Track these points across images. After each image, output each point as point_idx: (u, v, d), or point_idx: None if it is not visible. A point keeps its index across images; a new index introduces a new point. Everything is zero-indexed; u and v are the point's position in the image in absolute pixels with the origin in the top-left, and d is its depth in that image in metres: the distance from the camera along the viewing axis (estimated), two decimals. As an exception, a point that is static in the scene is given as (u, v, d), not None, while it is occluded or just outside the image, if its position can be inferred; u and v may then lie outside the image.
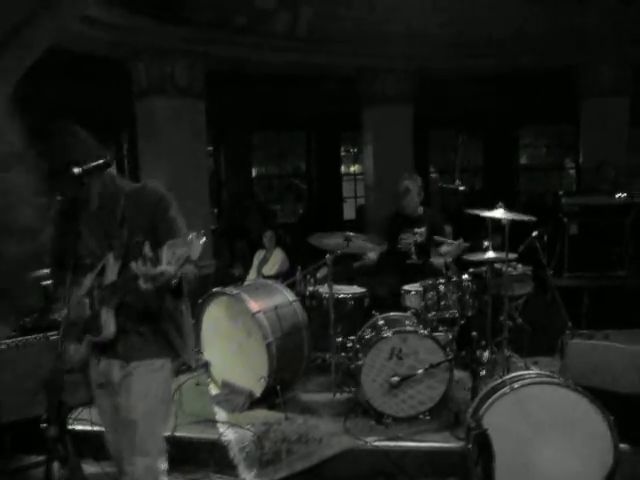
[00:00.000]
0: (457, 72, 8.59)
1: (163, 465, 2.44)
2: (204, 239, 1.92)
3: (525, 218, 4.16)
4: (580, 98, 8.42)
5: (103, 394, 2.46)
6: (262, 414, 4.17)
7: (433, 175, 12.95)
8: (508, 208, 4.19)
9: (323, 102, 10.34)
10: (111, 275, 2.26)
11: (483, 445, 2.94)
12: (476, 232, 4.92)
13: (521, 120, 12.11)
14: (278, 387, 4.22)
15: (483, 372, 4.27)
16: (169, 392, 2.56)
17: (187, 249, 1.90)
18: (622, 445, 2.97)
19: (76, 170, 2.03)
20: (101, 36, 5.97)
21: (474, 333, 4.29)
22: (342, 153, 13.67)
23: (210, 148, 11.32)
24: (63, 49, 5.26)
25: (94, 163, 2.14)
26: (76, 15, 4.20)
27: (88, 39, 5.92)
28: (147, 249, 1.95)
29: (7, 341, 3.41)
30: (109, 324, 2.25)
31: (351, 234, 4.32)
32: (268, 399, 4.28)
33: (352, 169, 13.99)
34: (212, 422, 4.08)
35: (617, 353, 3.59)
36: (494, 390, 3.14)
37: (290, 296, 4.59)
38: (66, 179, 2.09)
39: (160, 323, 2.39)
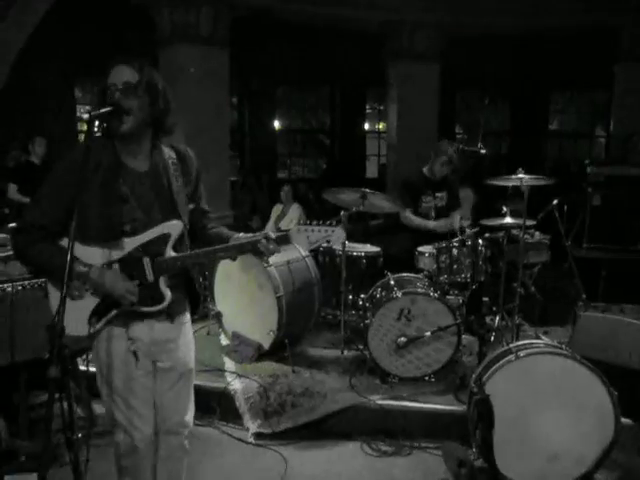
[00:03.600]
0: (487, 28, 8.30)
1: None
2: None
3: (543, 182, 4.05)
4: (613, 63, 8.12)
5: (134, 367, 2.22)
6: (270, 366, 4.23)
7: (459, 136, 12.73)
8: (531, 173, 4.08)
9: (349, 57, 10.14)
10: (171, 246, 2.18)
11: (484, 410, 2.95)
12: (496, 197, 4.85)
13: (553, 84, 11.76)
14: (286, 341, 4.27)
15: (492, 338, 4.26)
16: None
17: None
18: (625, 420, 2.97)
19: (85, 116, 1.95)
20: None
21: (485, 299, 4.28)
22: (368, 110, 13.46)
23: (234, 99, 11.24)
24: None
25: (102, 110, 1.99)
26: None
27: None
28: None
29: (22, 282, 3.46)
30: (167, 291, 2.18)
31: (367, 190, 4.25)
32: (276, 352, 4.34)
33: (378, 127, 13.80)
34: (220, 371, 4.16)
35: (628, 328, 3.55)
36: (500, 357, 3.13)
37: (303, 251, 4.59)
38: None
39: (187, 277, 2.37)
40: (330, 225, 2.19)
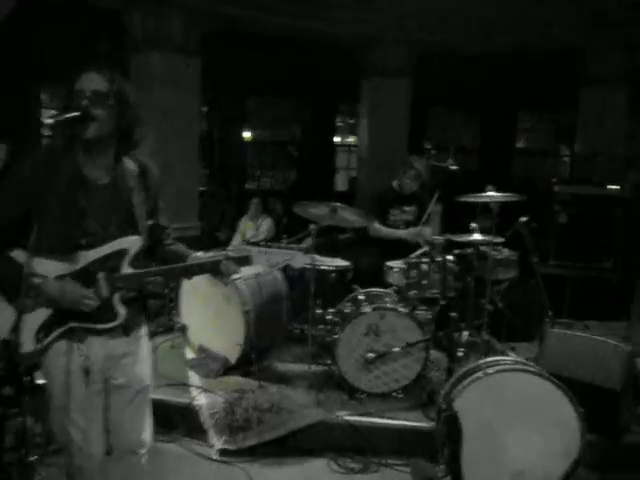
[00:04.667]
0: (458, 48, 8.40)
1: None
2: None
3: (512, 199, 4.10)
4: (579, 85, 8.29)
5: (84, 385, 2.12)
6: (236, 381, 4.15)
7: (429, 152, 12.87)
8: (499, 191, 4.12)
9: (321, 70, 10.17)
10: (128, 262, 2.12)
11: (452, 427, 2.93)
12: (465, 213, 4.88)
13: (520, 103, 11.99)
14: (253, 355, 4.19)
15: (460, 354, 4.25)
16: None
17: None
18: (590, 435, 2.98)
19: (49, 121, 1.89)
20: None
21: (453, 314, 4.28)
22: (339, 123, 13.52)
23: (205, 109, 11.15)
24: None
25: (68, 115, 1.92)
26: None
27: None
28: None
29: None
30: (121, 309, 2.12)
31: (337, 204, 4.22)
32: (243, 366, 4.26)
33: (348, 140, 13.87)
34: (185, 386, 4.05)
35: (593, 344, 3.58)
36: (468, 373, 3.12)
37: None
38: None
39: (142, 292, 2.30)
40: (292, 249, 2.29)
